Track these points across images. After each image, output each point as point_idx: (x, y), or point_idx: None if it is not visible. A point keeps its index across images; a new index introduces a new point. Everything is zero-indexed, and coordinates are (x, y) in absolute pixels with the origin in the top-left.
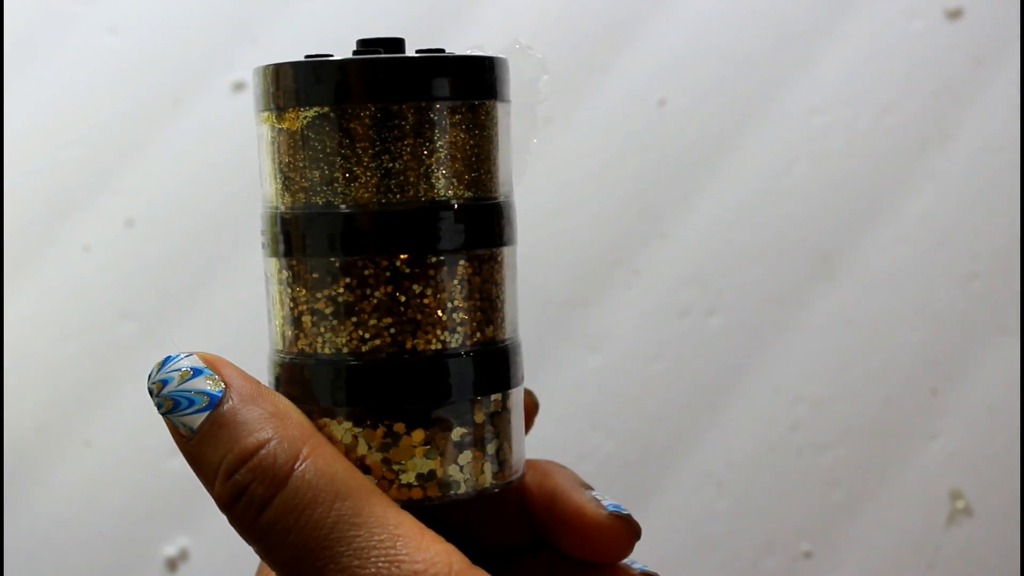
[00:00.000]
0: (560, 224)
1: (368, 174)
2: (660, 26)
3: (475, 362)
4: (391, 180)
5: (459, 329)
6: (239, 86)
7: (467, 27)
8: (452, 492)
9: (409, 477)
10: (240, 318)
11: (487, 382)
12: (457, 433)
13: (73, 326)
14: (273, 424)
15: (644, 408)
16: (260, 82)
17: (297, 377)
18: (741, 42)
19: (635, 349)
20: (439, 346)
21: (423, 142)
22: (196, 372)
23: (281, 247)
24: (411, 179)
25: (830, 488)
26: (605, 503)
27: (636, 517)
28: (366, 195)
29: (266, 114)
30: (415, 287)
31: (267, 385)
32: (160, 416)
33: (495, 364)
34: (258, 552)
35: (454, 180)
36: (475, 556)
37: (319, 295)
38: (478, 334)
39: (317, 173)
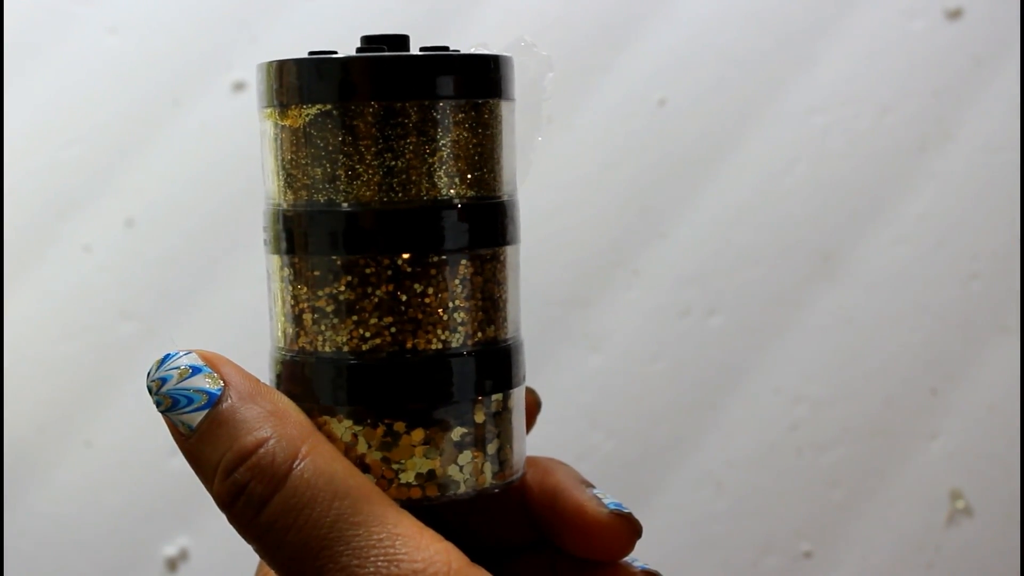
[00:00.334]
0: (560, 224)
1: (371, 172)
2: (660, 26)
3: (476, 362)
4: (394, 179)
5: (460, 329)
6: (239, 86)
7: (467, 27)
8: (451, 492)
9: (408, 476)
10: (240, 318)
11: (488, 382)
12: (457, 433)
13: (73, 326)
14: (272, 423)
15: (644, 408)
16: (263, 79)
17: (298, 375)
18: (741, 42)
19: (635, 349)
20: (440, 345)
21: (426, 141)
22: (195, 370)
23: (283, 244)
24: (414, 178)
25: (830, 488)
26: (606, 501)
27: (636, 517)
28: (368, 193)
29: (269, 111)
30: (417, 286)
31: (267, 383)
32: (159, 414)
33: (496, 364)
34: (257, 551)
35: (457, 179)
36: (475, 554)
37: (320, 293)
38: (479, 334)
39: (319, 171)
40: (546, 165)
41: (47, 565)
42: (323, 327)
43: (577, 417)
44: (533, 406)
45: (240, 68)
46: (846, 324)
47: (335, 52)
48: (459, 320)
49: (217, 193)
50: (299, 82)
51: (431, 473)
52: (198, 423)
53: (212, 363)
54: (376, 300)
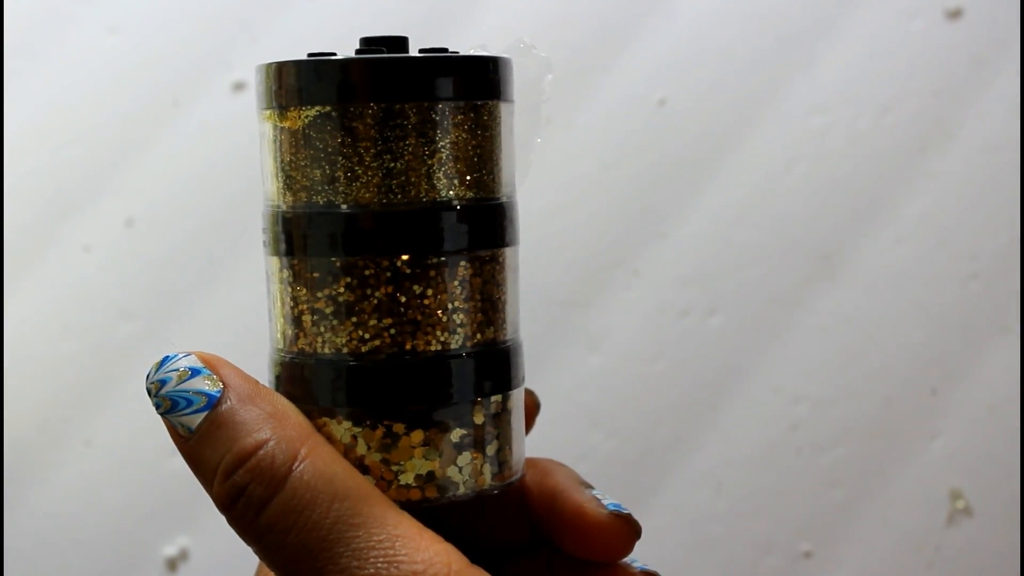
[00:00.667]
0: (560, 224)
1: (370, 174)
2: (660, 26)
3: (475, 363)
4: (393, 180)
5: (460, 330)
6: (239, 86)
7: (467, 27)
8: (451, 493)
9: (408, 478)
10: (240, 318)
11: (487, 383)
12: (457, 434)
13: (73, 326)
14: (271, 424)
15: (644, 408)
16: (262, 80)
17: (297, 376)
18: (741, 42)
19: (635, 349)
20: (439, 347)
21: (425, 142)
22: (194, 372)
23: (282, 246)
24: (413, 179)
25: (830, 488)
26: (605, 502)
27: (636, 517)
28: (368, 195)
29: (268, 112)
30: (416, 288)
31: (267, 385)
32: (159, 416)
33: (496, 365)
34: (257, 553)
35: (456, 180)
36: (474, 555)
37: (320, 295)
38: (479, 335)
39: (319, 172)
40: (546, 165)
41: (47, 565)
42: (322, 328)
43: (577, 417)
44: (532, 407)
45: (240, 68)
46: (846, 324)
47: (334, 54)
48: (458, 321)
49: (217, 193)
50: (298, 84)
51: (431, 474)
52: (197, 425)
53: (211, 365)
54: (375, 302)
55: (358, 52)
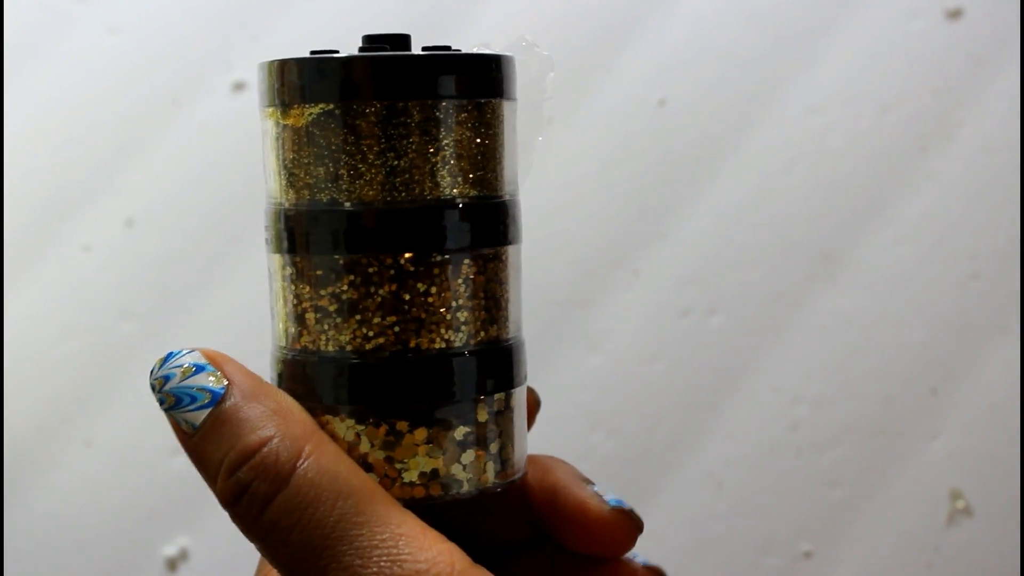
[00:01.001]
0: (560, 224)
1: (373, 172)
2: (660, 26)
3: (479, 361)
4: (396, 178)
5: (463, 328)
6: (239, 86)
7: (467, 27)
8: (454, 491)
9: (412, 476)
10: (240, 318)
11: (490, 381)
12: (460, 432)
13: (73, 326)
14: (275, 422)
15: (644, 408)
16: (265, 78)
17: (300, 374)
18: (741, 42)
19: (635, 349)
20: (443, 345)
21: (429, 140)
22: (198, 368)
23: (285, 244)
24: (416, 177)
25: (830, 488)
26: (607, 498)
27: (637, 513)
28: (371, 193)
29: (271, 110)
30: (419, 286)
31: (269, 382)
32: (161, 413)
33: (499, 363)
34: (260, 550)
35: (459, 178)
36: (477, 553)
37: (323, 292)
38: (482, 333)
39: (322, 170)
40: (546, 165)
41: (47, 565)
42: (325, 326)
43: (577, 417)
44: (533, 405)
45: (240, 68)
46: (846, 324)
47: (337, 51)
48: (462, 320)
49: (217, 193)
50: (301, 81)
51: (434, 472)
52: (201, 421)
53: (215, 361)
54: (379, 299)
55: (361, 50)
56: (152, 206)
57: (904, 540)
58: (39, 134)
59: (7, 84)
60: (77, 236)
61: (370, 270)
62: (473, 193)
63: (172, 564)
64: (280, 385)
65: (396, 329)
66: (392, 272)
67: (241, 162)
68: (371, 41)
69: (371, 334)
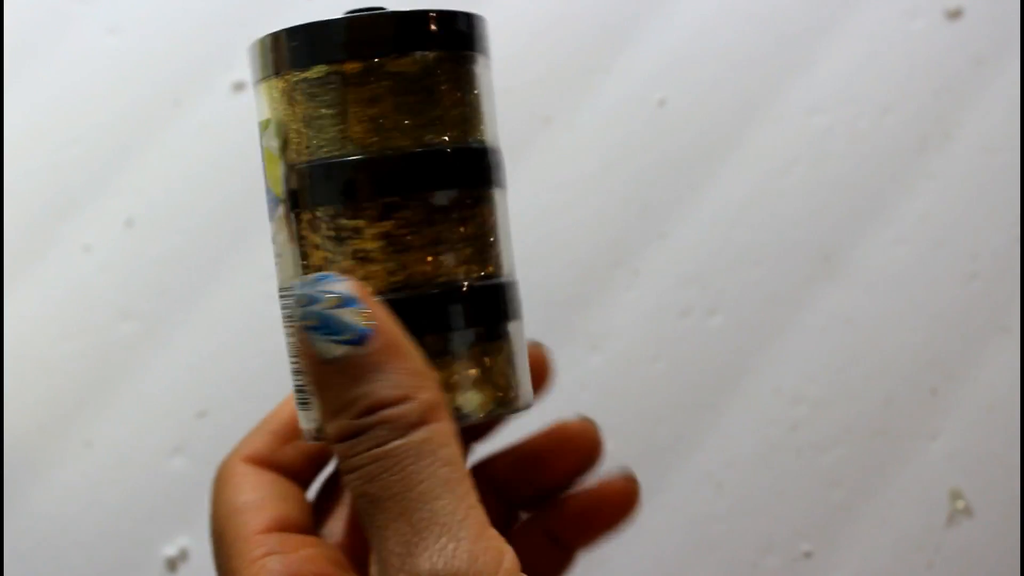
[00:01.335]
0: (560, 224)
1: (363, 126)
2: (660, 26)
3: (482, 295)
4: (384, 132)
5: (460, 266)
6: (239, 86)
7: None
8: (462, 419)
9: None
10: (241, 318)
11: (494, 314)
12: (462, 365)
13: (73, 326)
14: (414, 382)
15: (644, 408)
16: (258, 54)
17: None
18: (741, 42)
19: (635, 349)
20: (445, 279)
21: (414, 94)
22: (347, 301)
23: (289, 199)
24: (406, 125)
25: (830, 488)
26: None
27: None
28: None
29: (267, 82)
30: (416, 226)
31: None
32: (291, 325)
33: (500, 298)
34: (348, 479)
35: (450, 129)
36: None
37: (328, 234)
38: (482, 270)
39: (323, 131)
40: (546, 165)
41: (47, 565)
42: (333, 271)
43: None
44: (540, 361)
45: (240, 68)
46: (846, 324)
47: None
48: (465, 255)
49: (217, 193)
50: (297, 46)
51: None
52: (340, 355)
53: (366, 299)
54: (382, 242)
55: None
56: (152, 206)
57: (904, 540)
58: (39, 134)
59: (7, 84)
60: (77, 236)
61: (372, 213)
62: (458, 143)
63: (172, 564)
64: None
65: (400, 266)
66: (406, 213)
67: (241, 162)
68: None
69: (378, 273)
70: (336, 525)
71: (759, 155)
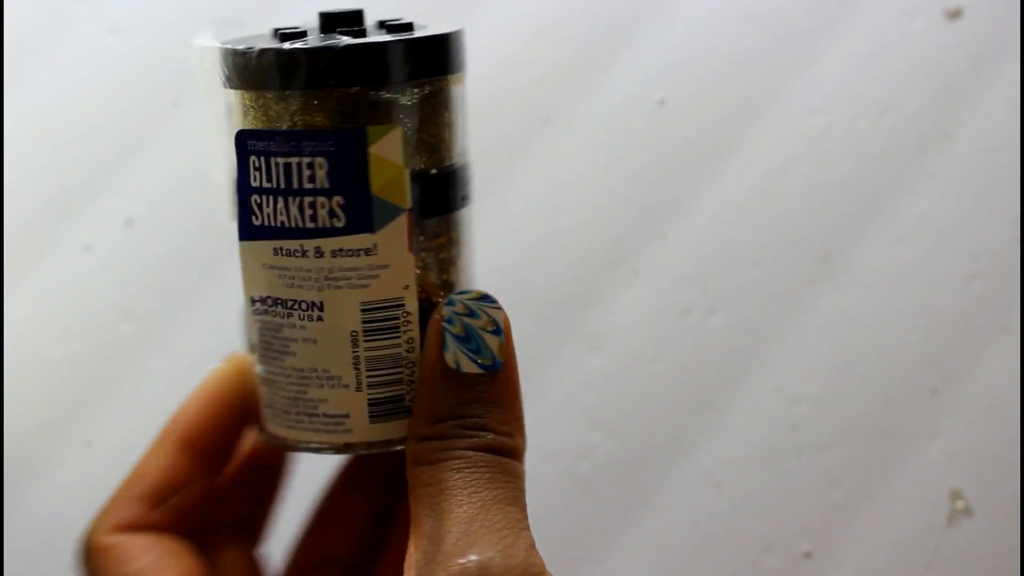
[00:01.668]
0: (560, 224)
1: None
2: (660, 26)
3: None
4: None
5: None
6: None
7: (467, 27)
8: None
9: None
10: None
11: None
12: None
13: (73, 326)
14: (519, 426)
15: (644, 408)
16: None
17: None
18: (741, 42)
19: (635, 349)
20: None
21: None
22: (497, 331)
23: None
24: None
25: (830, 488)
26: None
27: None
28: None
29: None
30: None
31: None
32: (436, 317)
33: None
34: (429, 463)
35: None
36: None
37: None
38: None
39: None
40: (546, 165)
41: (47, 565)
42: None
43: (577, 417)
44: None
45: None
46: (846, 324)
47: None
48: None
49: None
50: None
51: None
52: (471, 371)
53: (509, 335)
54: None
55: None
56: (152, 206)
57: (904, 540)
58: (39, 134)
59: (7, 84)
60: (77, 236)
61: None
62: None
63: None
64: None
65: None
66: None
67: None
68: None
69: None
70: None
71: (759, 155)
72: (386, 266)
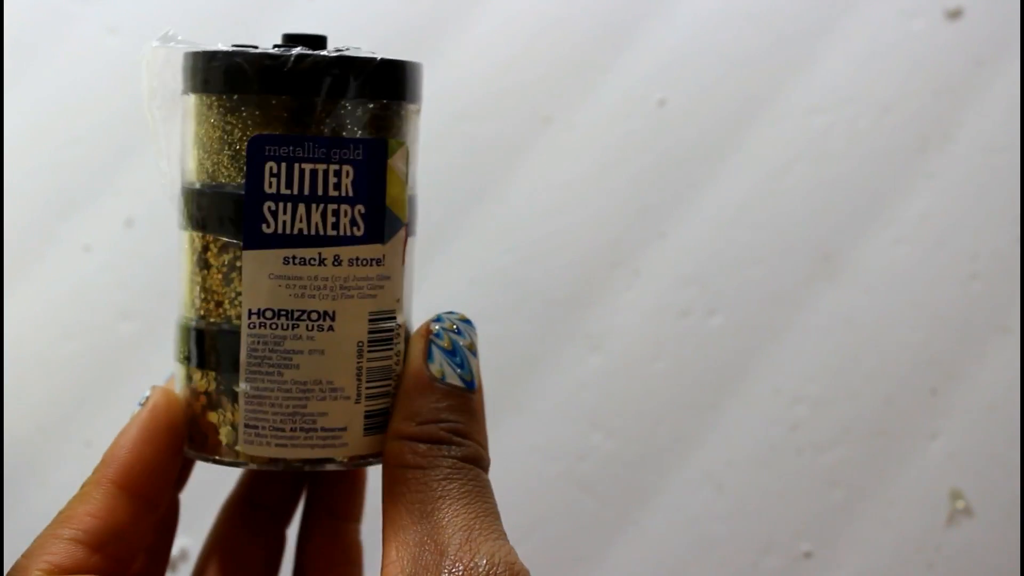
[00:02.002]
0: (560, 224)
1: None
2: (660, 26)
3: None
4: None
5: None
6: None
7: (467, 27)
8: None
9: None
10: None
11: None
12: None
13: (73, 326)
14: (485, 442)
15: (644, 408)
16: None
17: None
18: (741, 42)
19: (635, 349)
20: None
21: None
22: (475, 354)
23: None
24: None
25: (830, 488)
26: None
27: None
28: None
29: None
30: None
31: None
32: (423, 328)
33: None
34: (421, 468)
35: None
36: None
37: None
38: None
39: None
40: (546, 165)
41: None
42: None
43: (577, 417)
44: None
45: None
46: (846, 324)
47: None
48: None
49: None
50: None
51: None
52: (454, 384)
53: (478, 364)
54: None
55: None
56: (152, 206)
57: (904, 540)
58: (39, 134)
59: (7, 84)
60: (77, 236)
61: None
62: None
63: (172, 564)
64: None
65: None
66: None
67: None
68: (288, 39)
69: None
70: None
71: (759, 155)
72: (388, 277)
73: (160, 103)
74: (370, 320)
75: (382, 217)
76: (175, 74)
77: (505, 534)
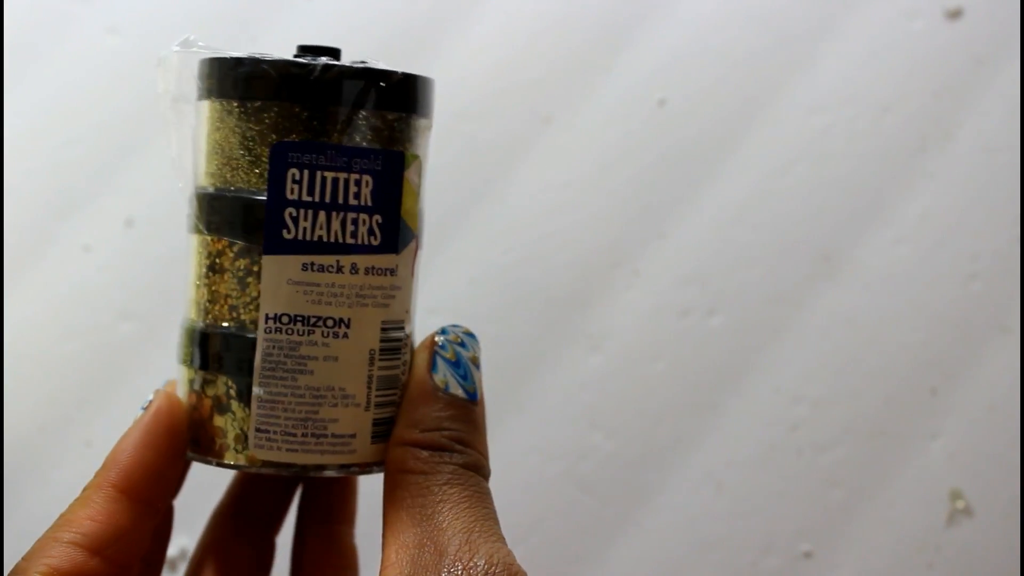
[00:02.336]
0: (560, 224)
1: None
2: (660, 26)
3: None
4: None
5: None
6: None
7: (466, 27)
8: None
9: None
10: None
11: None
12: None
13: (73, 326)
14: (486, 452)
15: (644, 408)
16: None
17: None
18: (741, 42)
19: (635, 349)
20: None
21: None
22: (478, 367)
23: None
24: None
25: (830, 488)
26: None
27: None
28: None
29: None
30: None
31: None
32: (429, 341)
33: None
34: (425, 473)
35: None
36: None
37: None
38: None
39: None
40: (546, 165)
41: None
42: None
43: (577, 417)
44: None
45: None
46: (846, 324)
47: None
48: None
49: None
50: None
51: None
52: (458, 394)
53: (481, 377)
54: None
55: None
56: (152, 206)
57: (904, 540)
58: (39, 134)
59: (7, 84)
60: (77, 236)
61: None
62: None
63: (172, 564)
64: None
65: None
66: None
67: None
68: (303, 51)
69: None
70: None
71: (759, 155)
72: (400, 287)
73: (175, 107)
74: (382, 329)
75: (397, 228)
76: (190, 79)
77: (504, 538)
